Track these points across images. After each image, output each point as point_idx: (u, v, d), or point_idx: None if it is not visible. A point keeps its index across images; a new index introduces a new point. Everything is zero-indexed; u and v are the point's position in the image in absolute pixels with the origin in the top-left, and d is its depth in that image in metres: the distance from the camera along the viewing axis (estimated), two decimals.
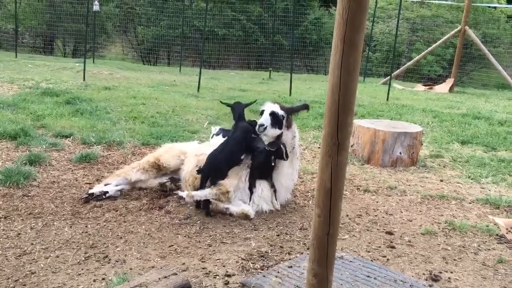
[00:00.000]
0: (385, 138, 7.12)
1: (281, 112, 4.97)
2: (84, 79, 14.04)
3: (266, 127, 4.93)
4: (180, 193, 4.90)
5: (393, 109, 12.62)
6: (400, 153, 7.16)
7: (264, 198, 5.02)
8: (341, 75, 2.48)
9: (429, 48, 20.12)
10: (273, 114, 4.95)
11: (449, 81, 18.31)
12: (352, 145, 7.71)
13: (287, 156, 4.93)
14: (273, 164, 4.93)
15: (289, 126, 5.07)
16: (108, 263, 3.80)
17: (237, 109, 5.42)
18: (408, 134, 7.14)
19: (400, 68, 21.59)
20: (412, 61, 21.09)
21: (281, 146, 4.93)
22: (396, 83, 21.29)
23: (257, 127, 4.96)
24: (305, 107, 5.12)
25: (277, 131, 5.00)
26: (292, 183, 5.30)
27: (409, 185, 6.40)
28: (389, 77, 16.93)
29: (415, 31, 24.88)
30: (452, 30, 18.87)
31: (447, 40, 19.28)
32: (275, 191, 5.07)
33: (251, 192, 5.00)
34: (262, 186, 5.03)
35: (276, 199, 5.09)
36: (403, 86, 20.35)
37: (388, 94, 14.59)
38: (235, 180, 4.97)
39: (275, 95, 14.45)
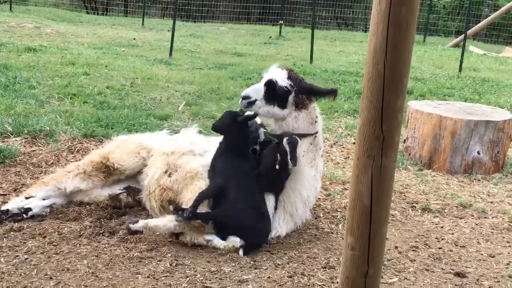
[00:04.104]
0: (456, 130, 7.12)
1: (283, 83, 4.94)
2: None
3: (253, 102, 4.90)
4: (133, 224, 4.81)
5: (468, 85, 12.59)
6: (479, 152, 7.16)
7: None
8: (388, 33, 2.47)
9: None
10: (270, 84, 4.93)
11: None
12: (404, 141, 7.70)
13: (293, 159, 4.74)
14: (277, 167, 4.89)
15: (302, 106, 5.04)
16: None
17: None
18: (490, 123, 7.14)
19: (481, 23, 21.53)
20: (498, 11, 21.04)
21: (289, 138, 4.80)
22: (474, 46, 21.26)
23: (240, 100, 4.94)
24: (332, 92, 5.07)
25: (276, 111, 4.97)
26: (314, 193, 5.30)
27: (491, 202, 6.40)
28: (463, 36, 16.88)
29: None
30: None
31: None
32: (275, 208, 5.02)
33: None
34: (268, 202, 5.03)
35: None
36: (484, 50, 20.31)
37: (461, 62, 14.55)
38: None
39: (288, 62, 14.42)
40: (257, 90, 4.93)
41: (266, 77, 5.01)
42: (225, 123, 4.99)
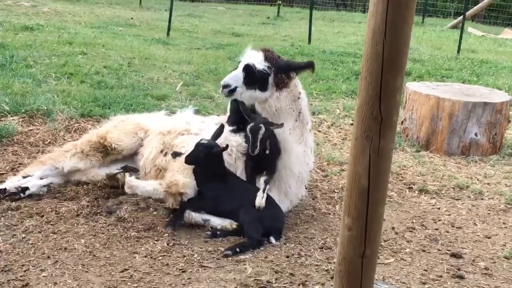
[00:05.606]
0: (454, 112, 7.11)
1: (261, 66, 4.90)
2: None
3: (234, 89, 4.88)
4: (129, 178, 5.12)
5: (466, 67, 12.57)
6: (476, 134, 7.16)
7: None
8: (387, 14, 2.46)
9: None
10: (248, 69, 4.90)
11: None
12: (402, 122, 7.69)
13: (252, 147, 4.72)
14: (266, 150, 4.84)
15: (283, 85, 4.99)
16: None
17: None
18: (488, 105, 7.13)
19: (480, 4, 21.43)
20: None
21: (253, 125, 4.76)
22: (472, 27, 21.18)
23: (220, 89, 4.94)
24: (309, 65, 5.02)
25: (258, 95, 4.94)
26: (307, 169, 5.27)
27: (488, 183, 6.41)
28: (461, 17, 16.82)
29: None
30: None
31: None
32: (266, 182, 4.92)
33: None
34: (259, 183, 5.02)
35: (263, 195, 4.87)
36: (483, 31, 20.24)
37: (459, 43, 14.50)
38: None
39: (286, 42, 14.37)
40: (236, 77, 4.89)
41: (243, 61, 4.96)
42: (199, 156, 4.83)
